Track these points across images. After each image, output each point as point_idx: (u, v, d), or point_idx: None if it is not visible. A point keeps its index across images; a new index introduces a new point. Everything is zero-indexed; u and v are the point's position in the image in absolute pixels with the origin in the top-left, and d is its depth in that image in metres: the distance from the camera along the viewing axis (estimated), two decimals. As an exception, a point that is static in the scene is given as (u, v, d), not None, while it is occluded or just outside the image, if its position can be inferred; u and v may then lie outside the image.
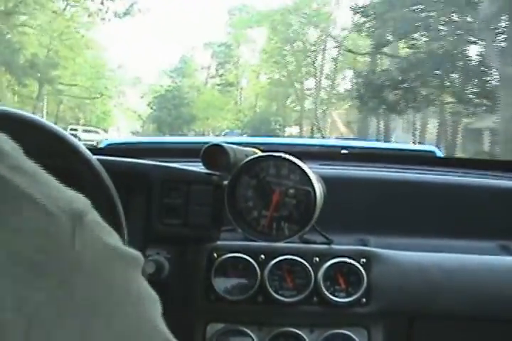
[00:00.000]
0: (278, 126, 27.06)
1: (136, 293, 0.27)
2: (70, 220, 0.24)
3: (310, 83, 27.16)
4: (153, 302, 0.28)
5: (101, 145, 2.23)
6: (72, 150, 0.67)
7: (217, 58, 30.83)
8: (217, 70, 31.67)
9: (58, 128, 0.69)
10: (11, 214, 0.22)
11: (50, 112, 26.03)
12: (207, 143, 0.91)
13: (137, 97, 31.78)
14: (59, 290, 0.22)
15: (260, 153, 0.98)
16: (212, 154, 0.90)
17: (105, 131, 27.25)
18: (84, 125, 26.54)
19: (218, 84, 30.87)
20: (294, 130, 26.88)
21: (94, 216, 0.26)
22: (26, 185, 0.23)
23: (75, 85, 24.94)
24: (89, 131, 24.15)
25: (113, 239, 0.27)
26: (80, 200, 0.26)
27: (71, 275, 0.23)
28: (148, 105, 30.96)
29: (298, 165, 0.93)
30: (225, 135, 21.25)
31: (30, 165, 0.25)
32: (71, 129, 23.57)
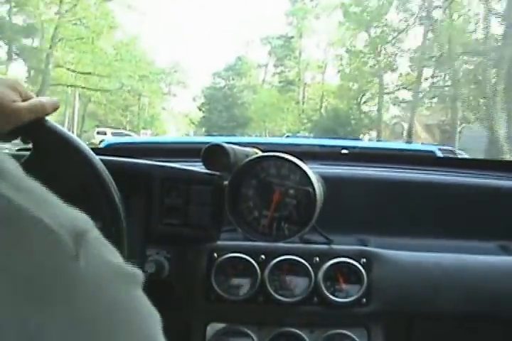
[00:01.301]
0: (360, 129, 21.92)
1: (137, 310, 0.27)
2: (73, 239, 0.24)
3: (389, 77, 21.43)
4: (154, 319, 0.28)
5: (101, 145, 2.23)
6: (74, 150, 0.67)
7: (276, 54, 26.77)
8: (275, 67, 27.42)
9: (61, 127, 0.69)
10: (15, 235, 0.22)
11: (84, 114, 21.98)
12: (207, 143, 0.91)
13: (189, 100, 28.35)
14: (61, 310, 0.22)
15: (260, 153, 0.98)
16: (213, 154, 0.90)
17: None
18: (113, 127, 22.26)
19: (280, 81, 26.65)
20: (370, 135, 21.83)
21: (95, 234, 0.26)
22: (29, 204, 0.23)
23: (88, 74, 19.63)
24: (119, 134, 20.02)
25: (115, 256, 0.27)
26: (81, 218, 0.26)
27: (74, 294, 0.23)
28: (199, 108, 27.31)
29: (298, 165, 0.93)
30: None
31: (31, 183, 0.24)
32: (98, 133, 20.46)
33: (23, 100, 0.63)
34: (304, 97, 26.38)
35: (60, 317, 0.22)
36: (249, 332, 0.94)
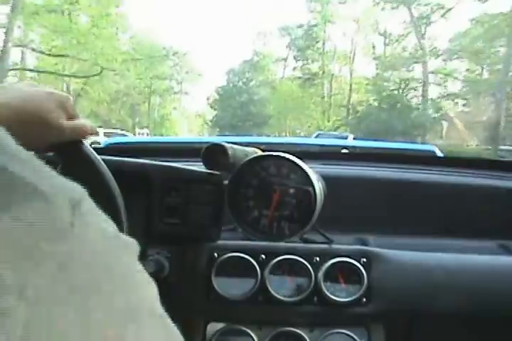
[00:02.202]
0: (424, 123, 16.84)
1: (134, 276, 0.28)
2: (68, 206, 0.24)
3: (433, 64, 16.61)
4: (150, 286, 0.29)
5: (102, 145, 2.23)
6: (99, 181, 0.67)
7: (296, 46, 23.50)
8: (296, 60, 23.98)
9: (95, 153, 0.69)
10: (10, 201, 0.22)
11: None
12: (207, 142, 0.91)
13: (203, 99, 25.67)
14: (59, 275, 0.22)
15: (261, 153, 0.98)
16: (213, 153, 0.90)
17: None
18: (108, 127, 19.55)
19: (303, 74, 23.23)
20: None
21: (91, 203, 0.27)
22: (24, 172, 0.23)
23: (63, 56, 14.35)
24: (112, 134, 17.81)
25: (110, 225, 0.27)
26: (76, 188, 0.27)
27: (71, 259, 0.23)
28: (211, 106, 24.35)
29: (298, 165, 0.93)
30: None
31: (26, 153, 0.25)
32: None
33: (68, 118, 0.64)
34: (330, 91, 22.75)
35: (58, 281, 0.22)
36: (249, 331, 0.94)
